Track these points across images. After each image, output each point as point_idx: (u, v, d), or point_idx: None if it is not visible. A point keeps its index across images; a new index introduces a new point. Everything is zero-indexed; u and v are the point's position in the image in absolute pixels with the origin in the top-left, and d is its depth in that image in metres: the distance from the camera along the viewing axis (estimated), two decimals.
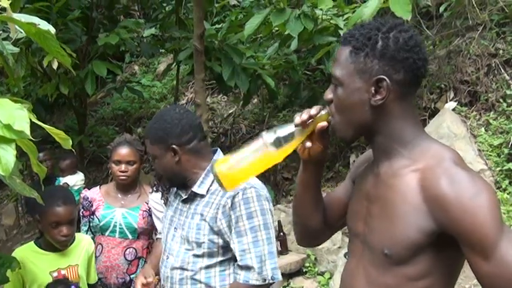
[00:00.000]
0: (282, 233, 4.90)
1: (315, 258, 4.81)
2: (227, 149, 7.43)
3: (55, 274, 2.58)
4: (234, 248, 2.06)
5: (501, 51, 5.61)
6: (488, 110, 5.46)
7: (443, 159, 1.32)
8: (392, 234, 1.35)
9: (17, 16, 1.64)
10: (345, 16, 5.17)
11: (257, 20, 4.74)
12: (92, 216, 3.20)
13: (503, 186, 4.72)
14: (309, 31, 4.78)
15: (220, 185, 1.45)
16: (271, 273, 2.06)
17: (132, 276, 3.13)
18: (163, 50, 7.77)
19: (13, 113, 1.27)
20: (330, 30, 5.15)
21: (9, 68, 2.01)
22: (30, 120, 1.31)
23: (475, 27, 5.90)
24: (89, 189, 3.44)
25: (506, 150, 4.90)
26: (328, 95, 1.45)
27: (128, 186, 3.26)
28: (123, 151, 3.18)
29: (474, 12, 5.83)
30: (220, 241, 2.09)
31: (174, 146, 2.15)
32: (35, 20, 1.67)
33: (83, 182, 4.93)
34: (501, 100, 5.31)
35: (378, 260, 1.39)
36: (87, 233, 3.25)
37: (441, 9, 5.97)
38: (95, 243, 3.20)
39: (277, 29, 5.43)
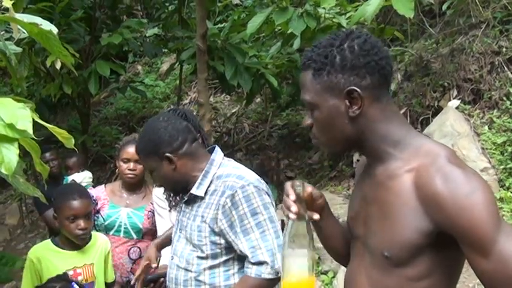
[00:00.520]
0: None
1: (319, 257, 4.80)
2: (230, 148, 7.43)
3: (71, 273, 2.59)
4: (243, 247, 2.04)
5: (504, 49, 5.60)
6: (491, 108, 5.44)
7: (438, 156, 1.31)
8: (390, 236, 1.34)
9: (19, 16, 1.65)
10: (348, 14, 5.16)
11: (259, 18, 4.74)
12: (96, 215, 3.21)
13: (507, 185, 4.71)
14: (312, 30, 4.77)
15: None
16: None
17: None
18: (166, 50, 7.78)
19: (16, 113, 1.27)
20: (333, 29, 5.13)
21: (12, 68, 2.01)
22: (33, 119, 1.32)
23: (478, 25, 5.89)
24: (94, 187, 3.45)
25: (509, 149, 4.89)
26: (307, 121, 1.47)
27: (134, 186, 3.28)
28: (133, 150, 3.19)
29: (477, 10, 5.83)
30: (223, 241, 2.08)
31: (167, 154, 2.12)
32: (37, 20, 1.67)
33: (91, 179, 4.93)
34: (504, 98, 5.30)
35: (378, 262, 1.39)
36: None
37: (444, 7, 5.96)
38: None
39: (279, 28, 5.42)
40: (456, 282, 1.41)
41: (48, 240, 2.72)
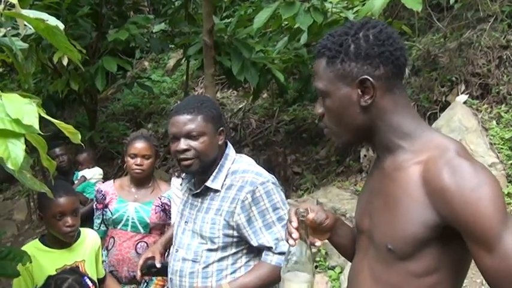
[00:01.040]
0: None
1: (326, 253, 4.80)
2: (237, 144, 7.43)
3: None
4: (266, 240, 2.08)
5: None
6: (499, 102, 5.41)
7: (446, 150, 1.30)
8: (395, 228, 1.33)
9: (25, 12, 1.65)
10: (355, 9, 5.14)
11: (266, 13, 4.73)
12: (105, 209, 3.24)
13: None
14: (319, 24, 4.75)
15: None
16: None
17: None
18: (172, 46, 7.77)
19: (22, 108, 1.27)
20: (340, 24, 5.11)
21: (18, 64, 2.02)
22: (40, 115, 1.32)
23: (486, 18, 5.85)
24: (103, 182, 3.47)
25: None
26: (318, 109, 1.48)
27: (142, 181, 3.29)
28: (140, 145, 3.22)
29: (485, 4, 5.79)
30: (236, 234, 2.12)
31: (223, 128, 2.20)
32: (43, 16, 1.67)
33: (101, 176, 4.94)
34: None
35: (382, 255, 1.38)
36: (100, 226, 3.28)
37: (452, 0, 5.92)
38: (107, 236, 3.23)
39: (286, 23, 5.41)
40: (463, 278, 1.39)
41: (37, 240, 2.68)
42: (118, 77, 8.16)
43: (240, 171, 2.16)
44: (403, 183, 1.34)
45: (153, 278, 3.16)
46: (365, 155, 5.93)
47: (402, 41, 1.42)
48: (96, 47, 6.66)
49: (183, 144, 2.12)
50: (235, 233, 2.11)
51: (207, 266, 2.14)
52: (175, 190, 3.14)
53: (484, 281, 3.85)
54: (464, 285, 1.45)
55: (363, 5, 4.45)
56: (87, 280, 2.48)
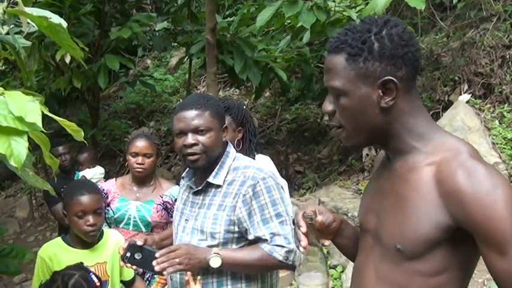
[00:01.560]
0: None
1: (327, 252, 4.80)
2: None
3: None
4: (262, 233, 2.09)
5: None
6: (502, 102, 5.41)
7: (460, 152, 1.29)
8: (405, 228, 1.32)
9: (29, 10, 1.65)
10: (358, 8, 5.13)
11: (269, 12, 4.72)
12: (107, 208, 3.23)
13: None
14: (322, 23, 4.75)
15: None
16: (292, 256, 2.12)
17: None
18: (175, 44, 7.78)
19: (25, 105, 1.28)
20: (343, 23, 5.11)
21: (21, 61, 2.02)
22: (43, 112, 1.32)
23: (489, 18, 5.84)
24: (105, 181, 3.47)
25: None
26: (328, 107, 1.42)
27: (143, 179, 3.29)
28: (141, 144, 3.21)
29: (488, 3, 5.78)
30: (236, 229, 2.12)
31: (226, 125, 2.24)
32: (46, 13, 1.67)
33: (102, 175, 4.93)
34: None
35: (389, 255, 1.37)
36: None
37: (455, 0, 5.91)
38: None
39: (289, 21, 5.40)
40: (470, 279, 1.39)
41: (59, 238, 2.67)
42: (120, 75, 8.15)
43: (242, 167, 2.18)
44: (415, 184, 1.33)
45: (155, 276, 3.16)
46: (367, 154, 5.93)
47: (417, 41, 1.40)
48: (99, 45, 6.66)
49: (190, 138, 2.12)
50: (236, 229, 2.12)
51: None
52: None
53: (485, 281, 3.85)
54: None
55: (366, 3, 4.44)
56: (93, 276, 2.47)
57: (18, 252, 2.09)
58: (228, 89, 8.93)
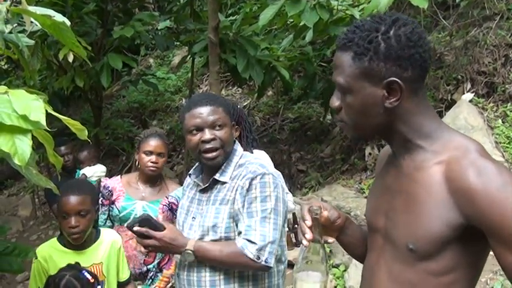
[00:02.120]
0: (296, 225, 4.89)
1: (330, 251, 4.80)
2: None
3: None
4: (241, 226, 2.10)
5: None
6: (505, 101, 5.40)
7: (469, 150, 1.29)
8: (417, 228, 1.32)
9: (32, 9, 1.65)
10: (360, 6, 5.13)
11: (272, 10, 4.72)
12: (111, 206, 3.23)
13: None
14: (324, 22, 4.75)
15: None
16: (267, 256, 2.07)
17: (149, 266, 3.16)
18: (178, 43, 7.77)
19: (29, 104, 1.28)
20: (346, 21, 5.12)
21: (24, 60, 2.02)
22: (46, 111, 1.32)
23: (492, 17, 5.83)
24: (112, 176, 3.47)
25: None
26: (335, 102, 1.42)
27: (152, 179, 3.29)
28: (155, 142, 3.22)
29: (491, 2, 5.77)
30: (234, 225, 2.14)
31: (234, 123, 2.29)
32: (50, 12, 1.67)
33: (104, 173, 4.93)
34: None
35: (401, 255, 1.37)
36: (106, 222, 3.28)
37: None
38: None
39: (292, 20, 5.40)
40: (479, 275, 1.39)
41: (54, 239, 2.65)
42: (123, 74, 8.16)
43: (247, 163, 2.21)
44: (424, 183, 1.33)
45: (158, 274, 3.17)
46: (370, 153, 5.93)
47: (430, 40, 1.39)
48: (102, 44, 6.67)
49: (208, 134, 2.15)
50: (233, 224, 2.14)
51: None
52: None
53: (488, 281, 3.85)
54: None
55: (369, 2, 4.43)
56: (86, 274, 2.45)
57: (21, 250, 2.09)
58: (230, 87, 8.94)
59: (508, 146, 4.94)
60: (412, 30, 1.32)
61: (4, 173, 9.08)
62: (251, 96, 8.10)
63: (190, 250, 2.08)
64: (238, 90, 8.76)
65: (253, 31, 5.90)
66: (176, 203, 3.21)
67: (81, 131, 1.44)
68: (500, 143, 5.02)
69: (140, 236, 2.12)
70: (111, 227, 3.29)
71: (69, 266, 2.48)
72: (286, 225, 2.35)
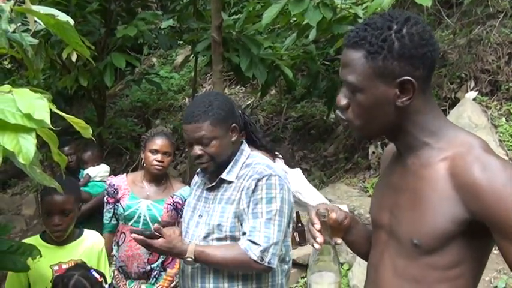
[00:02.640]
0: (300, 224, 4.89)
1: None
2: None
3: (56, 268, 2.58)
4: (246, 226, 2.12)
5: None
6: (509, 99, 5.39)
7: (473, 146, 1.31)
8: (422, 223, 1.33)
9: (35, 8, 1.65)
10: (364, 5, 5.12)
11: (275, 9, 4.72)
12: (116, 204, 3.24)
13: None
14: (328, 20, 4.74)
15: None
16: (270, 257, 2.10)
17: (152, 265, 3.16)
18: (181, 42, 7.77)
19: (33, 103, 1.28)
20: (349, 20, 5.10)
21: (28, 59, 2.03)
22: (50, 110, 1.32)
23: (496, 15, 5.82)
24: (115, 176, 3.48)
25: None
26: (342, 101, 1.41)
27: (157, 178, 3.29)
28: (161, 142, 3.23)
29: (495, 0, 5.75)
30: (239, 224, 2.15)
31: (235, 125, 2.23)
32: (53, 11, 1.68)
33: (107, 173, 4.94)
34: None
35: (405, 250, 1.38)
36: (111, 220, 3.29)
37: None
38: (118, 231, 3.25)
39: (295, 19, 5.39)
40: (483, 270, 1.40)
41: (37, 236, 2.72)
42: (126, 73, 8.16)
43: (254, 163, 2.22)
44: (430, 180, 1.34)
45: (162, 273, 3.17)
46: (373, 152, 5.92)
47: (436, 40, 1.40)
48: (105, 43, 6.67)
49: (197, 150, 2.19)
50: (238, 223, 2.16)
51: None
52: None
53: (492, 280, 3.84)
54: None
55: (372, 0, 4.43)
56: (94, 273, 2.49)
57: (25, 249, 2.10)
58: (233, 86, 8.93)
59: None
60: (424, 28, 1.33)
61: (8, 172, 9.09)
62: (254, 95, 8.10)
63: (191, 258, 2.10)
64: (241, 89, 8.76)
65: (257, 30, 5.89)
66: (181, 202, 3.22)
67: (85, 130, 1.44)
68: (504, 141, 5.01)
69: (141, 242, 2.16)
70: (116, 225, 3.30)
71: (77, 265, 2.51)
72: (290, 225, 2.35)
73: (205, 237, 2.20)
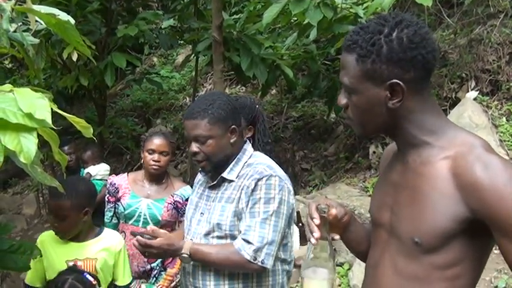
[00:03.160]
0: (300, 224, 4.89)
1: (334, 249, 4.80)
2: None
3: (71, 264, 2.59)
4: (242, 225, 2.14)
5: None
6: (509, 99, 5.39)
7: (474, 146, 1.32)
8: (423, 222, 1.34)
9: (36, 7, 1.66)
10: (365, 5, 5.11)
11: (276, 9, 4.71)
12: (117, 203, 3.25)
13: None
14: (329, 20, 4.74)
15: None
16: (264, 257, 2.10)
17: (152, 264, 3.17)
18: (181, 41, 7.78)
19: (34, 102, 1.28)
20: (350, 19, 5.10)
21: (29, 59, 2.02)
22: (52, 109, 1.32)
23: (497, 14, 5.82)
24: (116, 175, 3.49)
25: None
26: (342, 100, 1.47)
27: (157, 177, 3.31)
28: (158, 141, 3.24)
29: (495, 0, 5.75)
30: (238, 223, 2.16)
31: (234, 127, 2.23)
32: (54, 11, 1.68)
33: (107, 172, 4.96)
34: None
35: (406, 248, 1.39)
36: (112, 219, 3.30)
37: None
38: (118, 230, 3.25)
39: (295, 18, 5.39)
40: (483, 269, 1.41)
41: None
42: (127, 72, 8.17)
43: (255, 164, 2.23)
44: (431, 178, 1.35)
45: (162, 272, 3.17)
46: (374, 152, 5.92)
47: (434, 40, 1.41)
48: (106, 42, 6.67)
49: (193, 147, 2.21)
50: (237, 222, 2.17)
51: None
52: None
53: (493, 280, 3.84)
54: None
55: (372, 0, 4.43)
56: (88, 276, 2.50)
57: (26, 248, 2.10)
58: (234, 86, 8.93)
59: None
60: (414, 32, 1.34)
61: (8, 171, 9.09)
62: (255, 94, 8.09)
63: (186, 254, 2.13)
64: (242, 89, 8.76)
65: (257, 29, 5.89)
66: (181, 201, 3.23)
67: (86, 129, 1.44)
68: (504, 141, 5.01)
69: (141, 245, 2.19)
70: (117, 224, 3.31)
71: (69, 268, 2.52)
72: (294, 223, 2.37)
73: (206, 235, 2.21)
